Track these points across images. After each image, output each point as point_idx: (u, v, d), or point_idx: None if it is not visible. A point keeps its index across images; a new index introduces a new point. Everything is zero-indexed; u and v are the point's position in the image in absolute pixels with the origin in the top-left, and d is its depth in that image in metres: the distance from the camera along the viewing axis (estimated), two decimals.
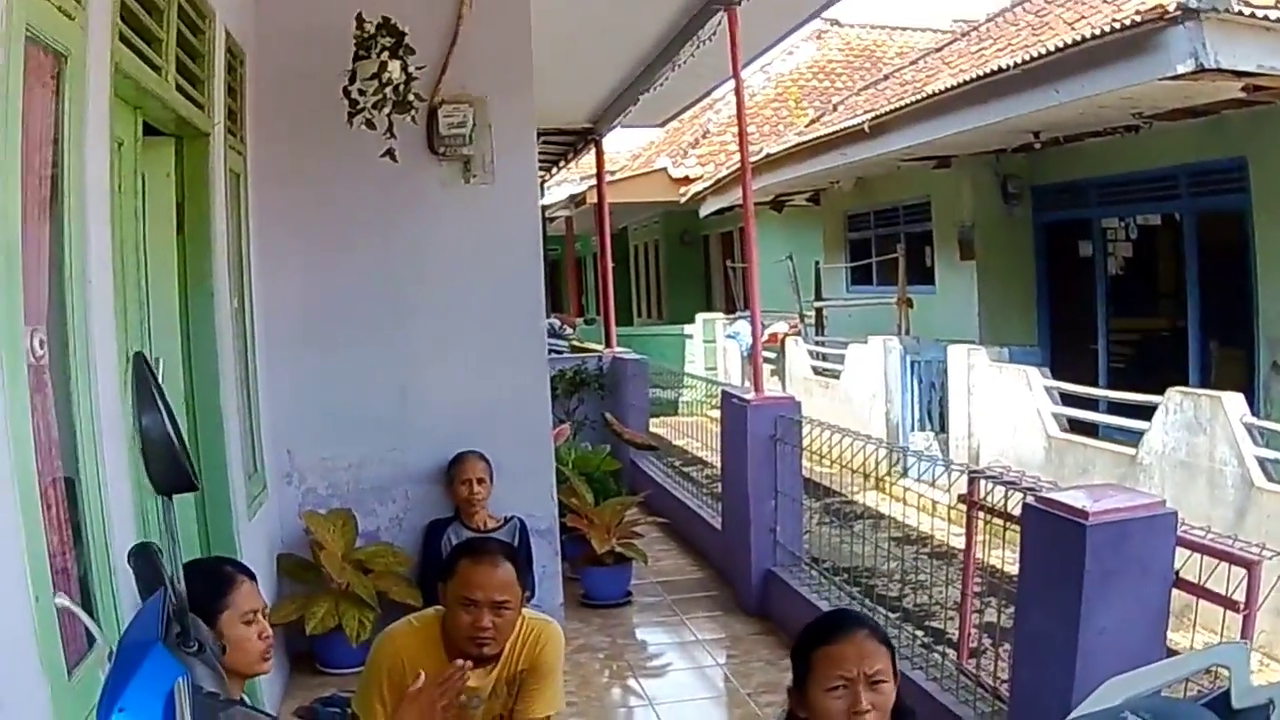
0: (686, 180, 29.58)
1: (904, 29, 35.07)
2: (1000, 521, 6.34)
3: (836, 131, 19.34)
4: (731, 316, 26.99)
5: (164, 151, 6.01)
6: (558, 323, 20.00)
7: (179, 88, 5.43)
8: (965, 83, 14.52)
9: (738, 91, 10.09)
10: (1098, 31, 11.51)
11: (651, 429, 17.06)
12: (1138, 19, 10.79)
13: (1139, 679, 3.08)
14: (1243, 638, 4.77)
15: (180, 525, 5.58)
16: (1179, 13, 10.29)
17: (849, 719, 3.45)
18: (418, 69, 7.41)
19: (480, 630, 4.54)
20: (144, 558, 3.04)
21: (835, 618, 4.15)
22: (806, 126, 23.92)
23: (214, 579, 3.95)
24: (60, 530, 3.49)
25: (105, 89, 4.16)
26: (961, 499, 6.85)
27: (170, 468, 2.93)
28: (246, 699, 4.06)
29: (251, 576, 4.14)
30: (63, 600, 3.09)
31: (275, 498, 8.01)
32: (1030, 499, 5.57)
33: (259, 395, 7.64)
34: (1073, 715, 3.08)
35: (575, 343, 19.42)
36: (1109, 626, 4.90)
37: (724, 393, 10.79)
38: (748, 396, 9.81)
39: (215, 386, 6.26)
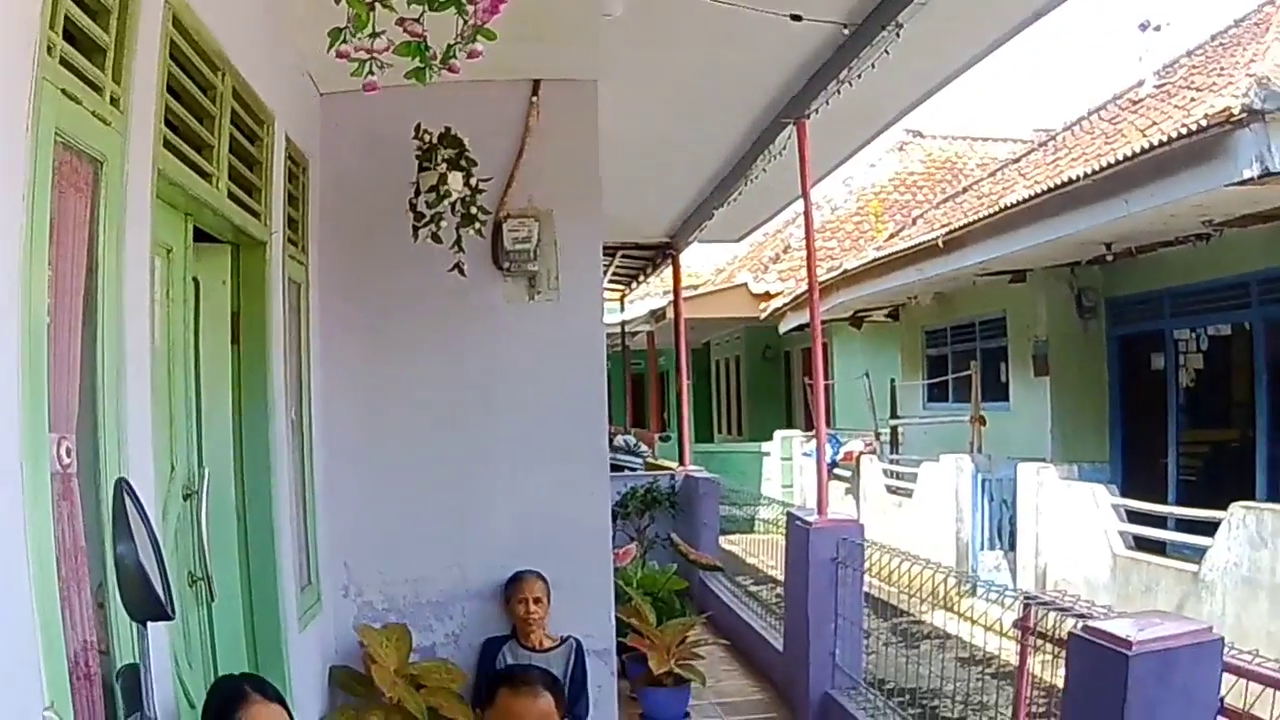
0: (767, 296, 29.64)
1: (985, 139, 35.17)
2: (1053, 648, 6.23)
3: (912, 247, 19.44)
4: (810, 434, 26.86)
5: (220, 259, 6.01)
6: (632, 440, 19.95)
7: (232, 195, 5.40)
8: (1035, 196, 14.59)
9: (805, 206, 10.07)
10: (1163, 139, 11.46)
11: (725, 547, 16.99)
12: (1204, 123, 10.70)
13: None
14: None
15: (227, 636, 5.60)
16: (1244, 115, 10.22)
17: None
18: (484, 181, 7.39)
19: None
20: (132, 678, 3.01)
21: None
22: (885, 241, 23.98)
23: (228, 697, 4.00)
24: (84, 635, 3.42)
25: (146, 195, 4.13)
26: (1016, 625, 6.73)
27: (143, 596, 2.91)
28: None
29: (274, 697, 4.13)
30: (50, 715, 3.03)
31: (331, 610, 7.93)
32: (1076, 626, 5.51)
33: (316, 507, 7.57)
34: None
35: (650, 460, 19.36)
36: None
37: (789, 514, 10.68)
38: (810, 519, 9.70)
39: (268, 497, 6.20)
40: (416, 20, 3.52)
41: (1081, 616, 5.78)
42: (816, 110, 9.25)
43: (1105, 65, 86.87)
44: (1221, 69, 14.21)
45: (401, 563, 8.20)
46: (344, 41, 3.55)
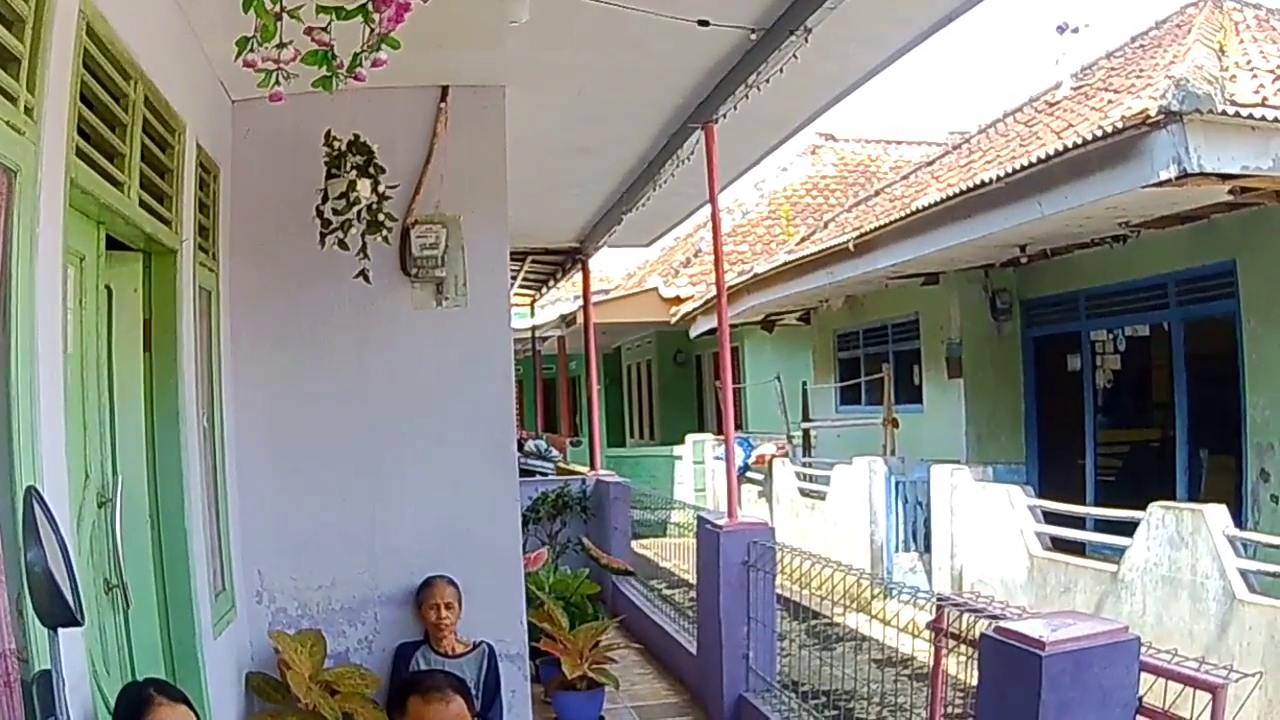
0: (678, 300, 29.64)
1: (899, 143, 35.31)
2: (967, 649, 6.27)
3: (823, 250, 19.45)
4: (721, 438, 26.94)
5: (132, 266, 6.01)
6: (544, 444, 19.96)
7: (143, 203, 5.40)
8: (947, 198, 14.62)
9: (713, 210, 10.07)
10: (1079, 140, 11.55)
11: (638, 551, 17.01)
12: (1120, 125, 10.80)
13: None
14: None
15: (143, 642, 5.61)
16: (1161, 117, 10.29)
17: None
18: (391, 188, 7.43)
19: None
20: (45, 684, 3.04)
21: None
22: (797, 244, 24.02)
23: (134, 701, 4.06)
24: (4, 643, 3.43)
25: (59, 204, 4.13)
26: (929, 626, 6.77)
27: (53, 603, 2.94)
28: None
29: (179, 699, 4.19)
30: None
31: (245, 616, 7.92)
32: (988, 628, 5.50)
33: (229, 514, 7.57)
34: None
35: (561, 465, 19.36)
36: None
37: (699, 517, 10.72)
38: (720, 522, 9.71)
39: (181, 504, 6.20)
40: (324, 29, 3.56)
41: (994, 618, 5.77)
42: (725, 115, 9.27)
43: (1023, 68, 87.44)
44: (1141, 71, 14.28)
45: (314, 569, 8.21)
46: (251, 51, 3.58)
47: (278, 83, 3.63)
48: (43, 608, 3.03)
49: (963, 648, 6.32)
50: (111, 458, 5.51)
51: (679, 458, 28.69)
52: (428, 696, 4.65)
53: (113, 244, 5.47)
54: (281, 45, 3.55)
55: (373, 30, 3.59)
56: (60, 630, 3.22)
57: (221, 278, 7.56)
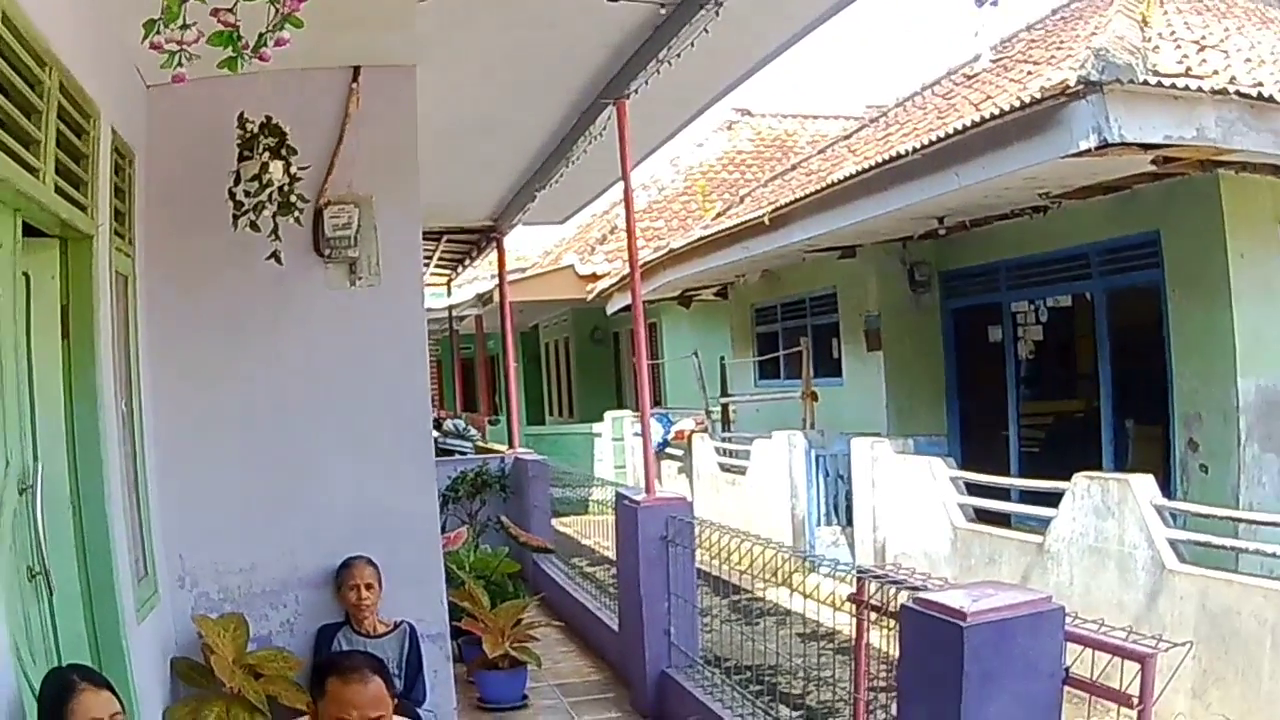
0: (594, 277, 29.63)
1: (816, 117, 35.30)
2: (891, 621, 6.30)
3: (738, 225, 19.49)
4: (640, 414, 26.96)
5: (49, 254, 5.97)
6: (462, 424, 19.97)
7: (59, 189, 5.38)
8: (863, 171, 14.68)
9: (626, 186, 10.14)
10: (997, 111, 11.61)
11: (558, 529, 17.04)
12: (1039, 96, 10.87)
13: None
14: None
15: (68, 629, 5.61)
16: (1081, 87, 10.35)
17: None
18: (303, 169, 7.44)
19: None
20: None
21: None
22: (713, 220, 24.01)
23: (58, 688, 4.10)
24: None
25: None
26: (850, 599, 6.81)
27: None
28: None
29: (102, 684, 4.24)
30: None
31: (169, 601, 7.89)
32: (908, 600, 5.47)
33: (150, 498, 7.55)
34: None
35: (480, 444, 19.38)
36: None
37: (617, 494, 10.74)
38: (638, 497, 9.77)
39: (101, 490, 6.17)
40: (230, 10, 3.58)
41: (913, 589, 5.77)
42: (636, 91, 9.31)
43: (941, 42, 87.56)
44: (1061, 43, 14.34)
45: (235, 552, 8.18)
46: (157, 33, 3.60)
47: (180, 64, 3.65)
48: None
49: (887, 620, 6.35)
50: (32, 444, 5.50)
51: (598, 435, 28.73)
52: (346, 677, 4.67)
53: (29, 231, 5.45)
54: (185, 26, 3.57)
55: (277, 10, 3.61)
56: None
57: (138, 262, 7.51)
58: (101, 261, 6.32)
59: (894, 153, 13.92)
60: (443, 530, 9.56)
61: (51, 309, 5.96)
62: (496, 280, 20.25)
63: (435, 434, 10.16)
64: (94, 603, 6.07)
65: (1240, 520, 10.41)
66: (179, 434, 8.06)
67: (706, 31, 7.86)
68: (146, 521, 7.43)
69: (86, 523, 6.11)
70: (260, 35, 3.67)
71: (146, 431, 7.56)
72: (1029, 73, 13.54)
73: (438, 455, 9.81)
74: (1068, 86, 10.47)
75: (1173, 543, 10.03)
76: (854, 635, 6.83)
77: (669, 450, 24.02)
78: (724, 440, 22.11)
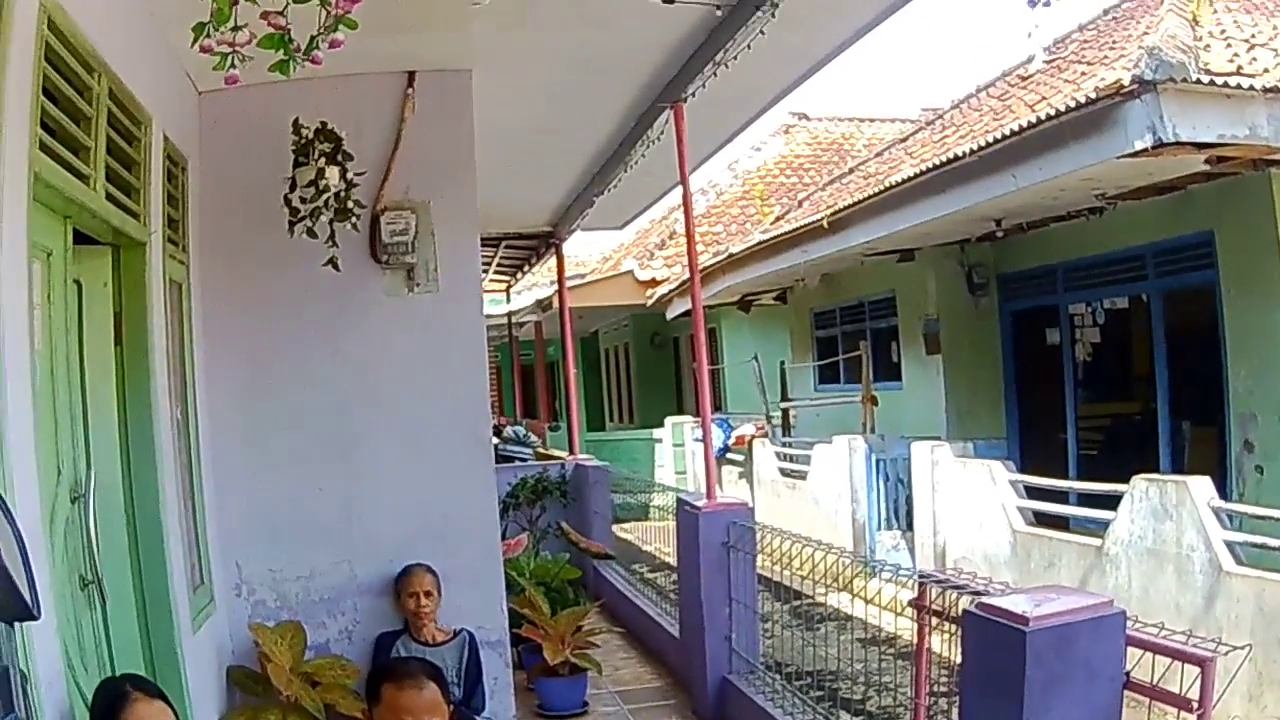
0: (654, 282, 29.56)
1: (872, 120, 35.05)
2: (951, 626, 6.22)
3: (797, 228, 19.38)
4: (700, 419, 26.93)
5: (101, 261, 5.97)
6: (522, 430, 19.96)
7: (110, 196, 5.37)
8: (922, 173, 14.54)
9: (685, 190, 10.09)
10: (1052, 112, 11.49)
11: (619, 535, 17.00)
12: (1093, 96, 10.77)
13: None
14: None
15: (122, 639, 5.58)
16: (1135, 86, 10.24)
17: None
18: (359, 175, 7.42)
19: None
20: (2, 680, 3.02)
21: None
22: (772, 224, 23.93)
23: (111, 697, 4.06)
24: None
25: (23, 199, 4.10)
26: (912, 604, 6.74)
27: (8, 597, 2.92)
28: None
29: (155, 694, 4.19)
30: None
31: (224, 609, 7.89)
32: (971, 604, 5.44)
33: (205, 507, 7.53)
34: None
35: (540, 450, 19.36)
36: None
37: (678, 499, 10.66)
38: (699, 503, 9.68)
39: (155, 498, 6.16)
40: (280, 13, 3.54)
41: (976, 594, 5.73)
42: (693, 93, 9.22)
43: (995, 43, 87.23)
44: (1114, 42, 14.22)
45: (292, 560, 8.19)
46: (208, 35, 3.56)
47: (233, 65, 3.61)
48: None
49: (947, 625, 6.27)
50: (85, 453, 5.48)
51: (659, 441, 28.67)
52: (401, 684, 4.64)
53: (80, 238, 5.43)
54: (237, 28, 3.53)
55: (329, 13, 3.57)
56: (26, 627, 3.19)
57: (191, 270, 7.50)
58: (154, 269, 6.32)
59: (951, 155, 13.79)
60: (503, 537, 9.52)
61: (104, 317, 5.95)
62: (556, 286, 20.21)
63: (495, 441, 10.12)
64: (148, 612, 6.06)
65: None
66: (235, 441, 8.05)
67: (763, 33, 7.78)
68: (202, 529, 7.42)
69: (141, 531, 6.10)
70: (312, 38, 3.62)
71: (202, 439, 7.57)
72: (1083, 73, 13.41)
73: (497, 462, 9.77)
74: (1122, 86, 10.35)
75: (1229, 544, 9.90)
76: (915, 640, 6.75)
77: (729, 455, 23.96)
78: (784, 445, 22.01)
